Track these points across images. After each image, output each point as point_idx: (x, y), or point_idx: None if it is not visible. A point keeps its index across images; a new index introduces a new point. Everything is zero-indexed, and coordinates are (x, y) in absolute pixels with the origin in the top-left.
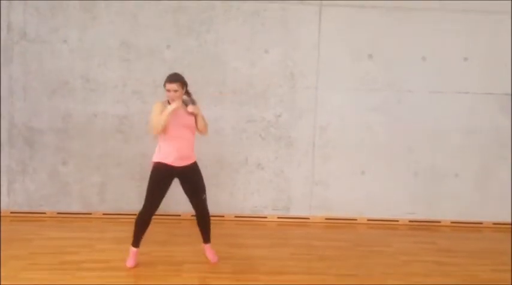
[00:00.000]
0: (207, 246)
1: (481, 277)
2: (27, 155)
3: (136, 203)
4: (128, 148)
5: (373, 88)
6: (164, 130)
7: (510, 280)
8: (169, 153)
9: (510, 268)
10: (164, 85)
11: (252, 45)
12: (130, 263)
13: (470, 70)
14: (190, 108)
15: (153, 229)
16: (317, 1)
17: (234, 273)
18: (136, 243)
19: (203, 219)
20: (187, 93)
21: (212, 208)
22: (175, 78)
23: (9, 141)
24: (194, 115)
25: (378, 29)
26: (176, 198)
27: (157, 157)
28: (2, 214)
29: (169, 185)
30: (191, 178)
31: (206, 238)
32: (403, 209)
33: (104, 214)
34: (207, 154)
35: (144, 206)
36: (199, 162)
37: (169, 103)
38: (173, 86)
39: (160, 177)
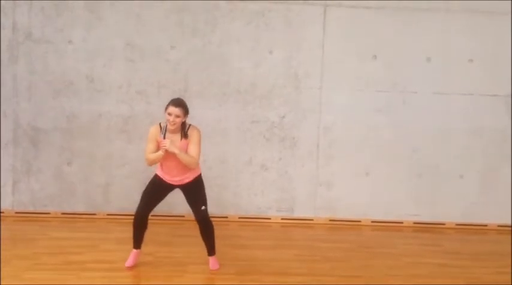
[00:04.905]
0: (210, 259)
1: (486, 279)
2: (32, 155)
3: None
4: (132, 149)
5: (377, 89)
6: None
7: None
8: (164, 173)
9: None
10: (166, 108)
11: (257, 46)
12: (128, 262)
13: (475, 72)
14: (166, 144)
15: (157, 230)
16: (322, 2)
17: (238, 274)
18: (134, 244)
19: (204, 230)
20: (184, 124)
21: (216, 208)
22: (180, 103)
23: (14, 140)
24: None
25: (382, 29)
26: (180, 199)
27: (157, 171)
28: (6, 214)
29: (167, 193)
30: (190, 191)
31: (209, 250)
32: (407, 211)
33: (108, 215)
34: (211, 154)
35: (138, 206)
36: (204, 163)
37: (160, 127)
38: (176, 111)
39: (157, 186)
